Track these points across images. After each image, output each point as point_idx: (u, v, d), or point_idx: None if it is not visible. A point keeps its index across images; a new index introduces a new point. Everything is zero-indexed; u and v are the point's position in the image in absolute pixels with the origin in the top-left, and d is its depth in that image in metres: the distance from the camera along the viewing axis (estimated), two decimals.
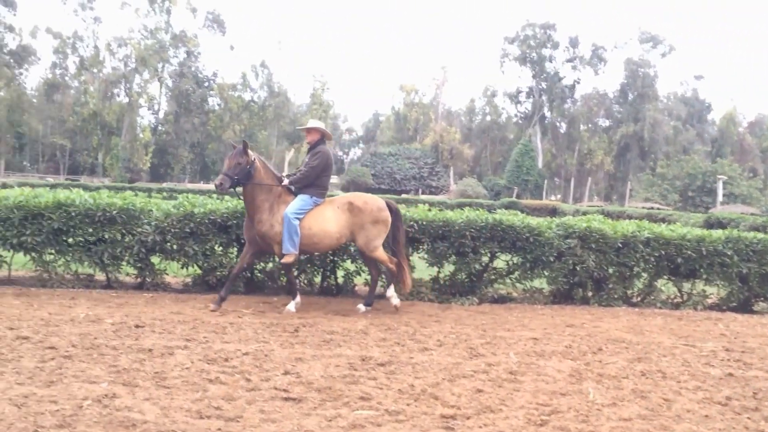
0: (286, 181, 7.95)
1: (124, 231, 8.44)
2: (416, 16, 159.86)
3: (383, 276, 8.48)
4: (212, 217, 8.49)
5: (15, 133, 66.73)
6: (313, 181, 7.93)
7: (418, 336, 6.72)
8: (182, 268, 8.82)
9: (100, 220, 8.33)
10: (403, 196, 54.40)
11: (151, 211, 8.57)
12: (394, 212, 8.15)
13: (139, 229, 8.40)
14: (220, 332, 6.33)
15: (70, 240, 8.41)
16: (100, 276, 8.92)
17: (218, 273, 8.67)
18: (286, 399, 4.51)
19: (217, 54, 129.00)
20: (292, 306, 7.71)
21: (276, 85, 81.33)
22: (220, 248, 8.74)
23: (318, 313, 7.64)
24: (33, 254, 8.47)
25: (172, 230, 8.40)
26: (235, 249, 8.80)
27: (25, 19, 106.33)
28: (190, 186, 50.06)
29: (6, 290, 7.99)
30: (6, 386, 4.35)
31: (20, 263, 8.97)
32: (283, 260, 7.69)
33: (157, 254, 8.65)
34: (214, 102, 78.02)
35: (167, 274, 9.03)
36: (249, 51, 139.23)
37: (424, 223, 8.97)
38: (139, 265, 8.65)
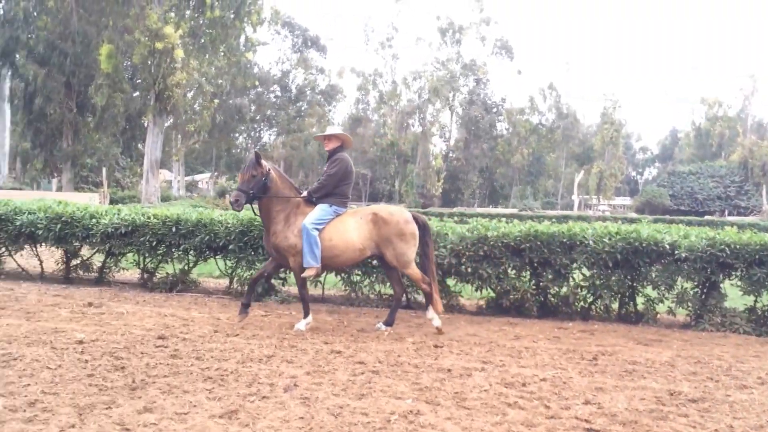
0: (304, 192, 7.67)
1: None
2: (715, 22, 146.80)
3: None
4: (505, 241, 8.52)
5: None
6: (332, 190, 7.55)
7: (734, 372, 6.01)
8: (476, 290, 8.96)
9: None
10: (706, 217, 49.75)
11: (447, 234, 8.86)
12: (422, 227, 7.61)
13: (436, 252, 8.73)
14: (516, 356, 6.27)
15: (374, 262, 9.03)
16: None
17: (512, 296, 8.65)
18: (588, 430, 4.29)
19: (505, 79, 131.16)
20: (302, 325, 7.25)
21: (564, 107, 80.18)
22: (513, 271, 8.72)
23: (617, 342, 7.22)
24: (342, 275, 9.27)
25: (467, 253, 8.59)
26: (528, 272, 8.73)
27: (333, 61, 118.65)
28: (479, 210, 51.34)
29: (320, 307, 8.83)
30: (324, 396, 4.75)
31: (331, 283, 9.86)
32: (303, 274, 7.25)
33: (452, 276, 8.91)
34: (502, 127, 79.26)
35: (462, 297, 9.26)
36: (536, 74, 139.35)
37: (738, 246, 8.06)
38: None
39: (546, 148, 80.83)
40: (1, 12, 34.45)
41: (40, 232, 9.94)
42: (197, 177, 72.71)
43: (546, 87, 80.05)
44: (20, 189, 33.62)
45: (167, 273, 10.15)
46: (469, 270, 8.70)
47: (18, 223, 10.05)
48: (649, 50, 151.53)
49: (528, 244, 8.46)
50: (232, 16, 32.66)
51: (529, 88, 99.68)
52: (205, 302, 8.95)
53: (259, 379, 5.11)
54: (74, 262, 10.56)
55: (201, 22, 32.63)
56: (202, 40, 33.37)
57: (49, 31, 33.79)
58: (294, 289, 9.97)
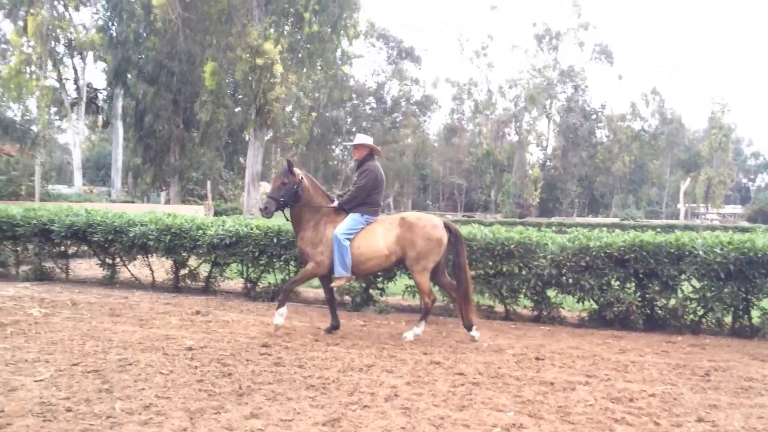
0: (336, 203, 7.61)
1: (521, 264, 8.71)
2: None
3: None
4: (608, 251, 8.26)
5: (419, 175, 74.68)
6: (364, 200, 7.50)
7: None
8: (578, 302, 8.73)
9: (499, 254, 8.73)
10: None
11: (547, 245, 8.69)
12: (453, 234, 7.45)
13: (536, 263, 8.57)
14: (622, 370, 6.06)
15: (472, 272, 8.95)
16: (499, 307, 9.29)
17: (616, 308, 8.36)
18: None
19: (605, 85, 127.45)
20: (280, 317, 7.31)
21: (668, 112, 77.17)
22: (617, 283, 8.44)
23: (731, 357, 6.85)
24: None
25: (568, 264, 8.39)
26: (633, 284, 8.42)
27: (427, 71, 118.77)
28: (579, 220, 50.07)
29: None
30: (425, 407, 4.74)
31: None
32: (333, 284, 7.34)
33: (553, 288, 8.72)
34: (602, 134, 77.14)
35: (563, 308, 9.04)
36: (638, 79, 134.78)
37: None
38: (535, 298, 8.84)
39: (649, 154, 77.94)
40: (114, 34, 36.53)
41: (152, 243, 10.44)
42: None
43: (648, 92, 77.35)
44: (132, 202, 35.48)
45: (269, 283, 10.43)
46: (570, 281, 8.48)
47: (131, 235, 10.59)
48: (759, 50, 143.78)
49: (633, 255, 8.17)
50: (329, 30, 33.39)
51: (630, 93, 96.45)
52: (306, 312, 9.13)
53: (360, 388, 5.16)
54: (182, 271, 11.02)
55: (299, 37, 33.52)
56: (300, 55, 34.26)
57: (157, 51, 35.55)
58: (392, 299, 10.06)
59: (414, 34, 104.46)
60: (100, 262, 11.55)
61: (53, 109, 39.02)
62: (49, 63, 35.38)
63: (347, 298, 9.65)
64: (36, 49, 33.20)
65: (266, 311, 9.05)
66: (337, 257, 7.22)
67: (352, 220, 7.39)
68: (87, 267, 12.78)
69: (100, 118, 43.62)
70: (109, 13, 37.56)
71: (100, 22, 38.13)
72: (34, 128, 30.31)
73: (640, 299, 8.36)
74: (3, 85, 31.23)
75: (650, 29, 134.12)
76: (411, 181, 72.00)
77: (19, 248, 11.87)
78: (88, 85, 40.28)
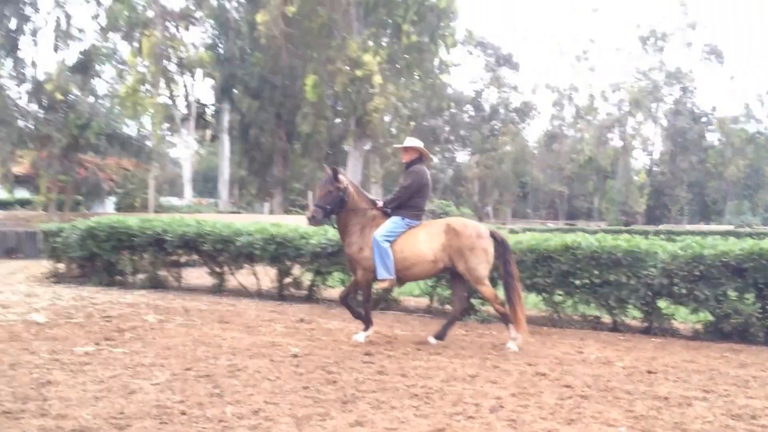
0: (380, 204, 7.58)
1: (629, 274, 8.39)
2: None
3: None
4: (724, 260, 7.83)
5: (519, 183, 73.51)
6: (406, 202, 7.43)
7: None
8: (691, 313, 8.31)
9: (606, 263, 8.44)
10: None
11: (657, 253, 8.33)
12: (499, 242, 7.34)
13: (645, 272, 8.24)
14: (742, 386, 5.71)
15: (577, 282, 8.70)
16: (606, 318, 8.98)
17: (733, 320, 7.90)
18: None
19: (715, 86, 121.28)
20: (360, 337, 7.38)
21: None
22: (735, 293, 7.98)
23: None
24: (543, 294, 9.04)
25: (680, 273, 8.01)
26: (753, 294, 7.94)
27: (526, 78, 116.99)
28: (689, 227, 47.82)
29: None
30: (531, 419, 4.63)
31: (531, 303, 9.64)
32: (378, 285, 7.31)
33: (664, 298, 8.34)
34: (713, 137, 73.47)
35: (675, 320, 8.62)
36: (751, 79, 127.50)
37: None
38: (645, 308, 8.48)
39: (765, 158, 73.54)
40: (221, 52, 38.08)
41: (257, 252, 10.77)
42: None
43: (764, 92, 73.03)
44: (238, 212, 36.73)
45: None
46: (683, 291, 8.09)
47: (238, 244, 10.95)
48: None
49: (752, 264, 7.71)
50: (427, 40, 33.51)
51: (743, 94, 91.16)
52: (407, 320, 9.14)
53: (464, 398, 5.10)
54: (286, 280, 11.28)
55: (397, 48, 33.83)
56: (398, 65, 34.59)
57: (261, 66, 36.76)
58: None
59: (512, 40, 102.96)
60: (209, 270, 12.00)
61: (165, 125, 41.02)
62: (162, 81, 37.26)
63: (448, 306, 9.59)
64: (150, 69, 35.04)
65: None
66: (378, 259, 7.21)
67: (392, 223, 7.38)
68: (197, 275, 13.28)
69: (208, 132, 45.46)
70: (216, 32, 39.25)
71: (209, 41, 39.89)
72: (149, 143, 31.94)
73: (760, 311, 7.87)
74: (121, 104, 33.13)
75: (763, 27, 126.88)
76: (510, 190, 70.92)
77: (135, 257, 12.51)
78: (197, 101, 42.10)
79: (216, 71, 37.77)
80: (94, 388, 5.13)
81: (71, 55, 28.52)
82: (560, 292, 8.94)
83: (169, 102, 40.02)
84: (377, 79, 30.36)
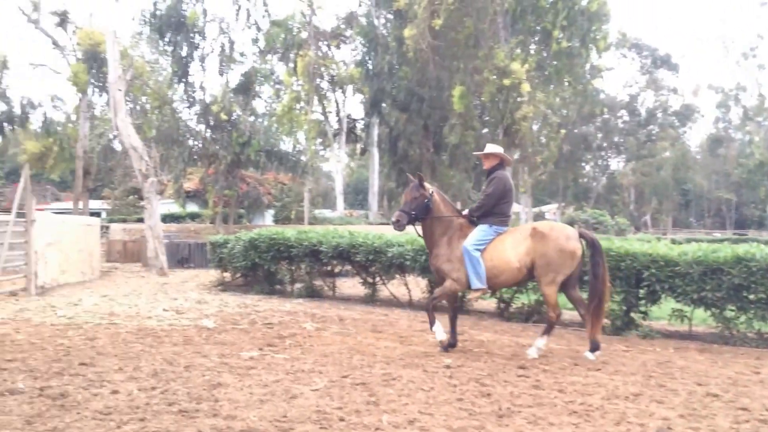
0: (465, 212, 7.56)
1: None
2: None
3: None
4: None
5: (680, 191, 69.34)
6: (491, 210, 7.34)
7: None
8: None
9: None
10: None
11: None
12: (591, 245, 7.13)
13: None
14: None
15: (752, 296, 8.04)
16: None
17: None
18: None
19: None
20: (440, 332, 7.45)
21: None
22: None
23: None
24: (713, 310, 8.43)
25: None
26: None
27: (686, 79, 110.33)
28: None
29: (688, 345, 8.14)
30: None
31: (700, 318, 9.03)
32: (470, 296, 7.25)
33: None
34: None
35: None
36: None
37: None
38: None
39: None
40: (370, 67, 39.05)
41: (408, 262, 10.89)
42: (544, 208, 73.29)
43: None
44: (388, 224, 37.41)
45: (522, 303, 10.31)
46: None
47: (389, 255, 11.13)
48: None
49: None
50: (578, 44, 32.52)
51: None
52: (562, 334, 8.86)
53: (627, 417, 4.85)
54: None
55: (546, 54, 33.10)
56: (547, 72, 33.79)
57: (408, 80, 37.28)
58: (656, 324, 9.40)
59: (669, 40, 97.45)
60: (361, 280, 12.30)
61: (319, 140, 42.66)
62: (315, 98, 38.81)
63: (606, 321, 9.19)
64: (304, 87, 36.62)
65: (521, 332, 8.95)
66: (470, 269, 7.15)
67: (480, 231, 7.30)
68: (350, 285, 13.65)
69: (358, 146, 46.72)
70: (365, 49, 40.33)
71: (358, 58, 41.08)
72: (303, 158, 33.33)
73: None
74: (278, 121, 34.85)
75: None
76: (670, 197, 67.05)
77: (293, 267, 13.07)
78: (348, 116, 43.43)
79: (365, 87, 38.79)
80: (260, 392, 5.39)
81: (234, 77, 30.34)
82: (732, 308, 8.30)
83: (322, 118, 41.57)
84: (525, 87, 29.81)
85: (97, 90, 32.74)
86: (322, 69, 38.45)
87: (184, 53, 28.02)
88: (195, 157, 29.80)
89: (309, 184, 34.59)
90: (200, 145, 29.20)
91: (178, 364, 6.39)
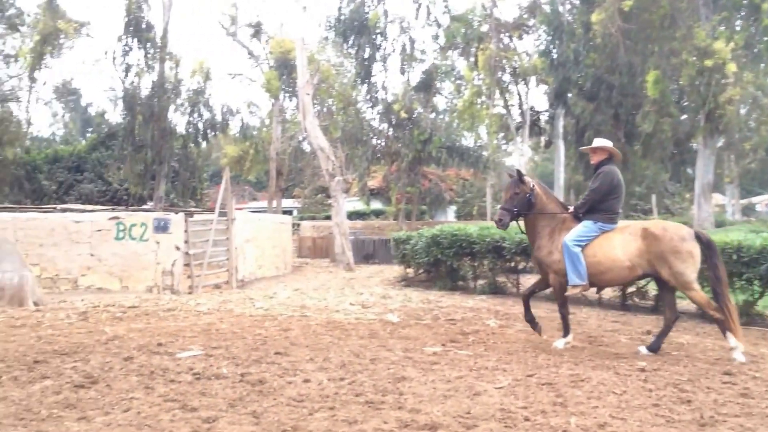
0: (571, 208, 7.38)
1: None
2: None
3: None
4: None
5: None
6: (598, 206, 7.09)
7: None
8: None
9: None
10: None
11: None
12: (706, 246, 6.80)
13: None
14: None
15: None
16: None
17: None
18: None
19: None
20: (560, 343, 7.18)
21: None
22: None
23: None
24: None
25: None
26: None
27: None
28: None
29: None
30: None
31: None
32: (568, 292, 7.09)
33: None
34: None
35: None
36: None
37: None
38: None
39: None
40: (554, 57, 37.88)
41: None
42: (754, 199, 66.88)
43: None
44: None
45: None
46: None
47: None
48: None
49: None
50: None
51: None
52: None
53: None
54: (629, 290, 10.69)
55: (754, 30, 30.13)
56: (756, 50, 30.72)
57: (596, 67, 35.69)
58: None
59: None
60: None
61: (501, 134, 42.15)
62: (497, 92, 38.39)
63: None
64: (485, 81, 36.35)
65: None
66: (568, 264, 6.97)
67: (584, 227, 7.08)
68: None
69: (543, 138, 45.61)
70: (549, 38, 39.20)
71: (542, 47, 40.02)
72: (485, 153, 33.10)
73: None
74: (459, 117, 34.93)
75: None
76: None
77: (475, 263, 12.97)
78: (531, 108, 42.46)
79: (549, 77, 37.72)
80: (443, 387, 5.35)
81: (415, 75, 30.87)
82: None
83: (504, 112, 41.05)
84: (731, 67, 27.30)
85: (287, 95, 34.76)
86: (504, 61, 37.90)
87: (366, 55, 28.93)
88: (378, 155, 30.67)
89: (491, 180, 34.29)
90: (383, 144, 30.00)
91: (364, 357, 6.53)
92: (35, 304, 10.23)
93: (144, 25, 30.09)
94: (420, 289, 13.18)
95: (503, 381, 5.59)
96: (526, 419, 4.51)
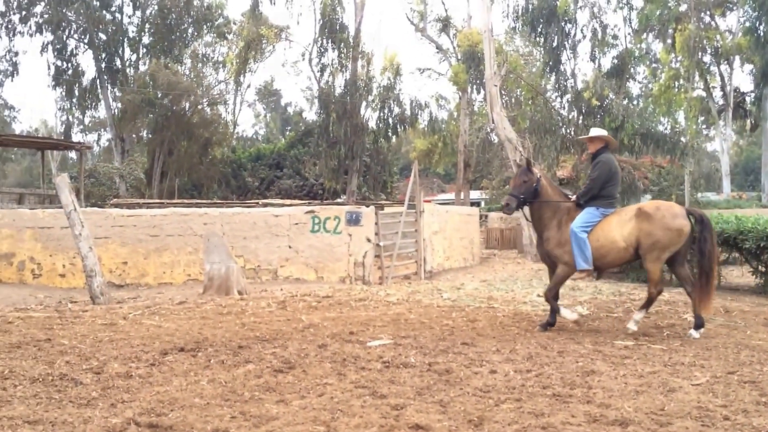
0: (573, 197, 7.67)
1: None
2: None
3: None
4: None
5: None
6: (598, 193, 7.49)
7: None
8: None
9: None
10: None
11: None
12: (700, 221, 7.22)
13: None
14: None
15: None
16: None
17: None
18: None
19: None
20: (568, 313, 7.72)
21: None
22: None
23: None
24: None
25: None
26: None
27: None
28: None
29: None
30: None
31: None
32: (576, 276, 7.63)
33: None
34: None
35: None
36: None
37: None
38: None
39: None
40: (762, 33, 34.65)
41: None
42: None
43: None
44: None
45: None
46: None
47: None
48: None
49: None
50: None
51: None
52: None
53: None
54: None
55: None
56: None
57: None
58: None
59: None
60: (751, 269, 11.20)
61: (701, 119, 39.34)
62: (696, 74, 35.87)
63: None
64: (683, 63, 34.11)
65: None
66: (576, 251, 7.30)
67: (587, 213, 7.45)
68: (738, 274, 12.53)
69: (748, 121, 41.95)
70: (756, 14, 35.92)
71: (747, 24, 36.78)
72: (683, 139, 31.05)
73: None
74: (654, 102, 33.09)
75: None
76: None
77: None
78: (735, 90, 39.25)
79: (755, 56, 34.60)
80: (634, 382, 5.29)
81: (606, 61, 29.63)
82: None
83: (704, 95, 38.27)
84: None
85: (475, 87, 34.87)
86: (704, 41, 35.29)
87: (555, 43, 28.27)
88: (567, 144, 29.88)
89: (690, 167, 32.13)
90: (572, 133, 29.19)
91: (552, 349, 6.58)
92: (239, 293, 11.06)
93: (338, 27, 31.66)
94: (612, 281, 12.80)
95: (701, 378, 5.42)
96: (726, 418, 4.38)
